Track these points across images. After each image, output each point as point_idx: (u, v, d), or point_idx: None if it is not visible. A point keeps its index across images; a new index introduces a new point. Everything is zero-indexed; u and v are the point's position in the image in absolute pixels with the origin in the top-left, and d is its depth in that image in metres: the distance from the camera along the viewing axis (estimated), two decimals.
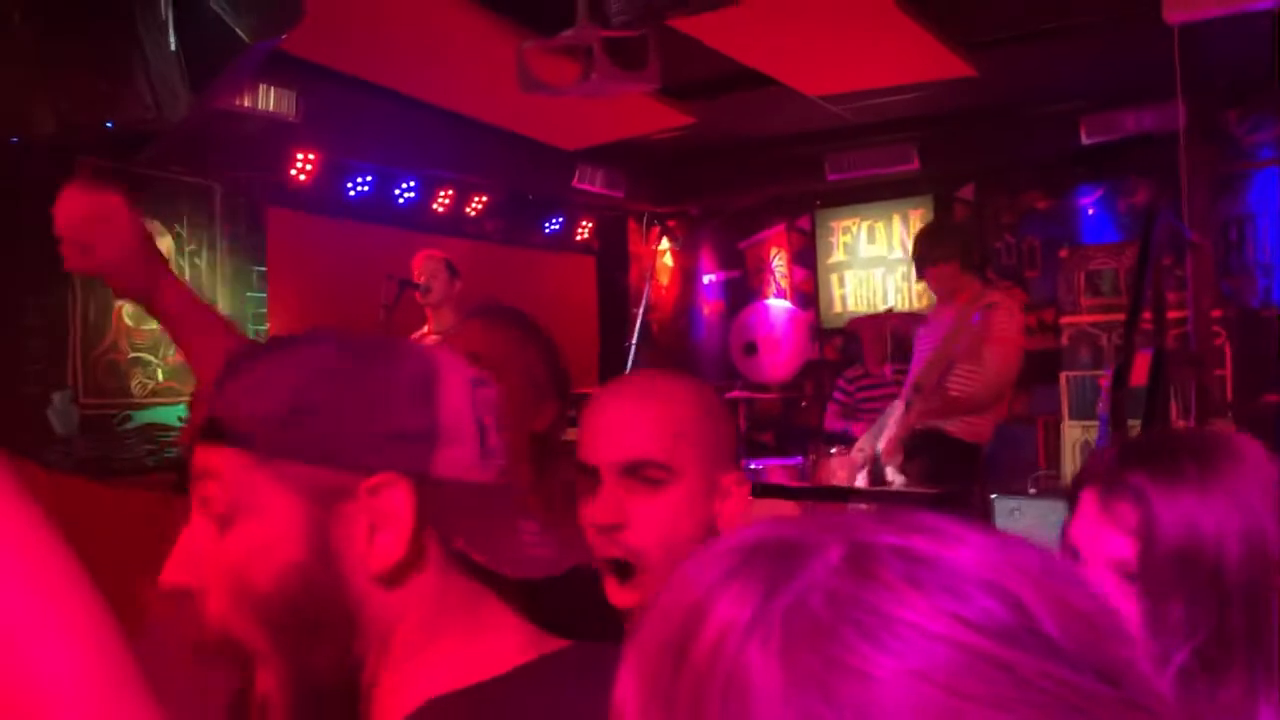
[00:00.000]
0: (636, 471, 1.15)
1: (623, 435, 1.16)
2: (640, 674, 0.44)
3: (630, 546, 1.14)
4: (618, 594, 1.15)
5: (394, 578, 0.77)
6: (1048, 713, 0.38)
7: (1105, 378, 5.09)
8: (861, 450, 4.47)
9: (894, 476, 4.36)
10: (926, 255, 4.42)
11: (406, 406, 0.78)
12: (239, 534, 0.76)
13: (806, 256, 7.51)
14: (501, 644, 0.80)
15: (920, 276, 4.92)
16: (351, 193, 5.88)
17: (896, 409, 4.41)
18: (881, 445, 4.36)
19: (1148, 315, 4.13)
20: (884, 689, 0.38)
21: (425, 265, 4.68)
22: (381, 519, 0.76)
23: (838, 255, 7.37)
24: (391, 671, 0.78)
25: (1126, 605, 0.97)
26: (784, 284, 7.60)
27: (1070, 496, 1.07)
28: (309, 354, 0.80)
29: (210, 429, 0.78)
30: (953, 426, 4.32)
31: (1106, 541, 0.99)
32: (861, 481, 4.42)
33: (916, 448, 4.32)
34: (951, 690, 0.38)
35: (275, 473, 0.76)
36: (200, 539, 0.77)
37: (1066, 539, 1.04)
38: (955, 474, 4.33)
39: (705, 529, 1.15)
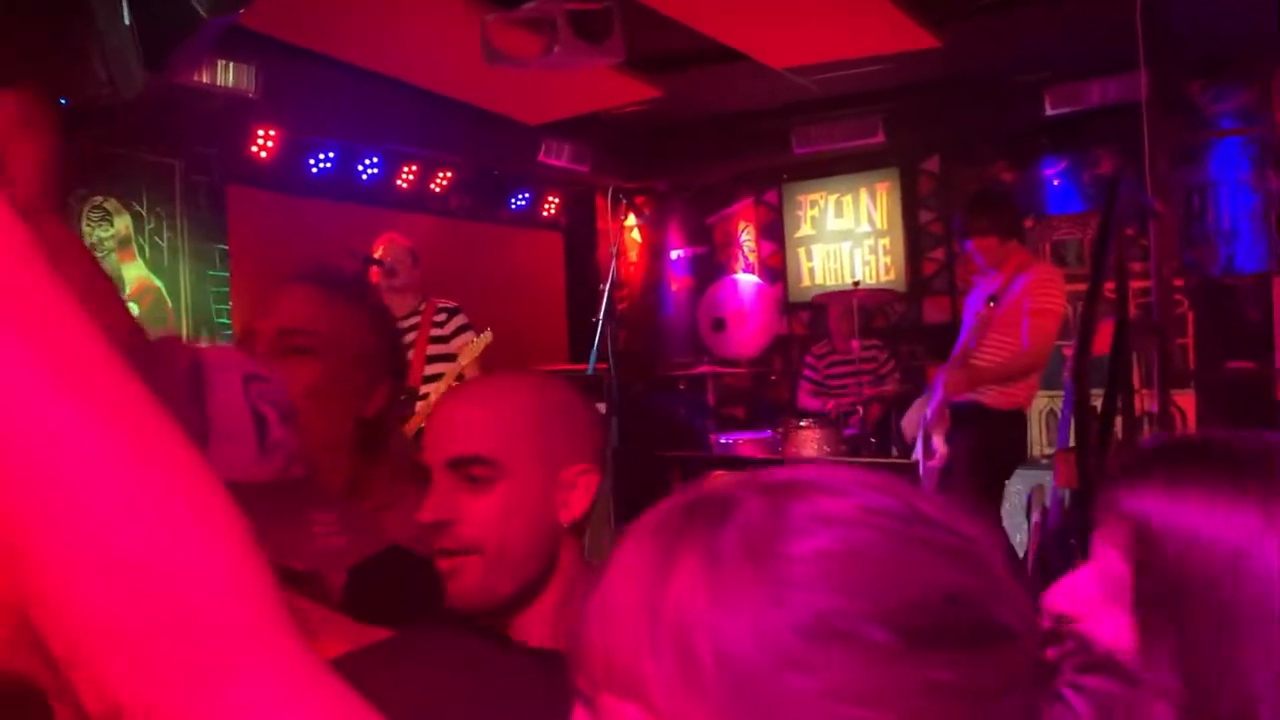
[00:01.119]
0: (462, 468, 1.13)
1: (451, 433, 1.16)
2: (617, 631, 0.53)
3: (462, 543, 1.13)
4: (450, 586, 1.14)
5: None
6: (936, 562, 0.52)
7: (1070, 347, 5.13)
8: (912, 421, 4.51)
9: (940, 446, 4.41)
10: (968, 227, 4.43)
11: (170, 407, 0.74)
12: None
13: (774, 231, 7.50)
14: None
15: (963, 248, 4.95)
16: (314, 170, 5.80)
17: (944, 373, 4.47)
18: (929, 412, 4.39)
19: (1110, 284, 4.16)
20: (829, 562, 0.51)
21: (390, 250, 4.64)
22: None
23: (805, 229, 7.37)
24: None
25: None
26: (752, 259, 7.60)
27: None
28: None
29: None
30: (987, 398, 4.32)
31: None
32: (917, 452, 4.46)
33: (959, 421, 4.33)
34: (873, 559, 0.51)
35: None
36: None
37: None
38: (1000, 445, 4.35)
39: (542, 522, 1.14)
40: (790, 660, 0.49)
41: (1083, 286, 4.95)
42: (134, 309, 4.67)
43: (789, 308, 7.41)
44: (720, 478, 0.58)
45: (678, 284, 7.91)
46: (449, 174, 6.50)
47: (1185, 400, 4.86)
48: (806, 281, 7.35)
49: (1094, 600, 0.88)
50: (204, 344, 4.38)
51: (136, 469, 0.48)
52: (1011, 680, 0.51)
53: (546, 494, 1.15)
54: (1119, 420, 3.99)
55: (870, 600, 0.50)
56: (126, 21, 3.91)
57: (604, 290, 5.29)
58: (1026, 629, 0.53)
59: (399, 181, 6.24)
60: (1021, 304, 4.24)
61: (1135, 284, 4.56)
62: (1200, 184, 5.87)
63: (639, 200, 7.89)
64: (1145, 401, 4.64)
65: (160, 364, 0.78)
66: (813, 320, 7.18)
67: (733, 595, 0.50)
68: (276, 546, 0.73)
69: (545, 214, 7.45)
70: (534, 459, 1.14)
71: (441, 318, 4.64)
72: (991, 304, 4.23)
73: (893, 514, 0.53)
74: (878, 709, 0.49)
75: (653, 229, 7.92)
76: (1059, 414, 5.26)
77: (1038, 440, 5.73)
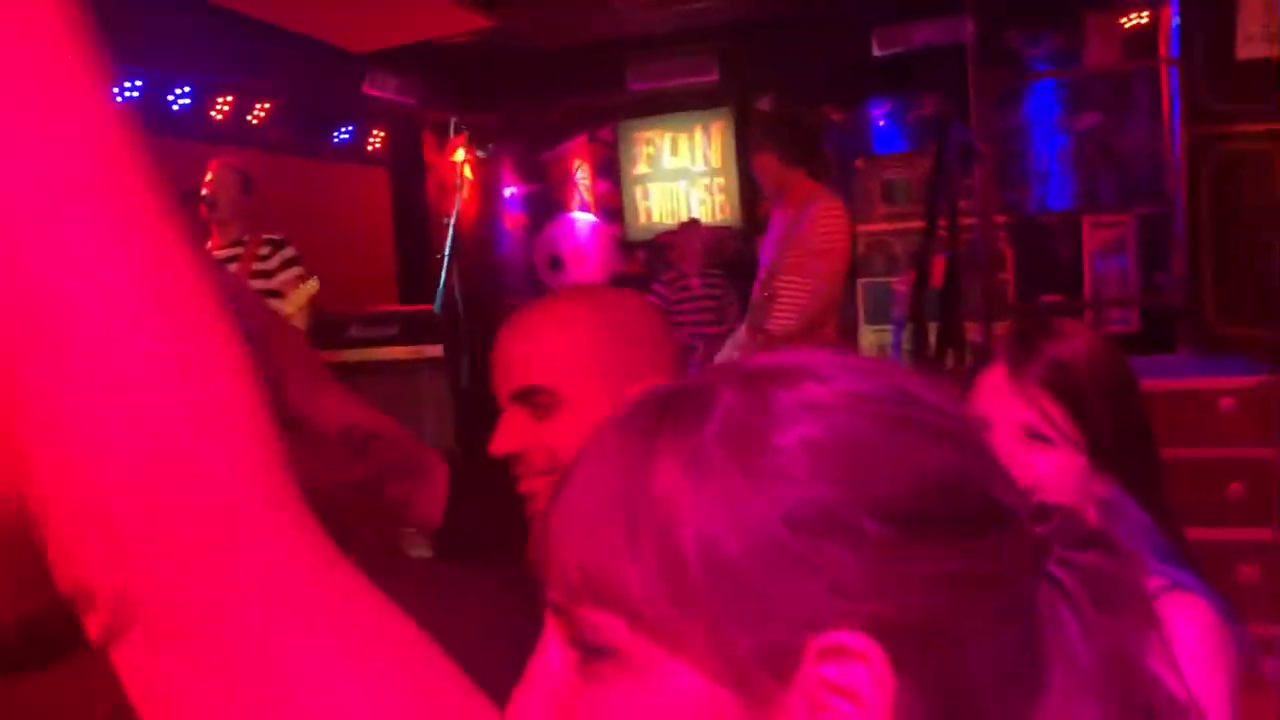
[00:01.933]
0: (527, 399, 1.14)
1: (509, 364, 1.16)
2: (591, 537, 0.49)
3: (537, 468, 1.13)
4: (534, 508, 1.17)
5: None
6: (929, 446, 0.49)
7: (900, 283, 5.32)
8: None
9: None
10: (751, 145, 4.33)
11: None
12: None
13: (610, 169, 7.45)
14: None
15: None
16: (118, 100, 5.36)
17: (739, 334, 4.31)
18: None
19: (942, 222, 4.31)
20: (818, 448, 0.48)
21: (217, 174, 4.34)
22: None
23: (641, 167, 7.34)
24: None
25: (1034, 460, 1.20)
26: (588, 197, 7.53)
27: (967, 379, 1.28)
28: None
29: None
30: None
31: (1016, 408, 1.21)
32: None
33: None
34: (854, 439, 0.49)
35: None
36: None
37: (976, 411, 1.23)
38: None
39: None
40: (782, 554, 0.46)
41: (913, 225, 5.13)
42: None
43: (627, 246, 7.40)
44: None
45: (512, 222, 7.77)
46: (267, 105, 6.13)
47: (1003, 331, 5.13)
48: (644, 220, 7.34)
49: (1011, 448, 1.19)
50: None
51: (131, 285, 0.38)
52: (1014, 564, 0.49)
53: None
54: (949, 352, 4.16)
55: (863, 489, 0.47)
56: None
57: (446, 225, 5.12)
58: (1023, 509, 0.51)
59: (213, 113, 5.85)
60: (808, 242, 4.06)
61: (962, 220, 4.74)
62: (1017, 126, 6.15)
63: (470, 135, 7.68)
64: (969, 333, 4.87)
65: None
66: (650, 259, 7.20)
67: (717, 489, 0.47)
68: None
69: (370, 148, 7.15)
70: (595, 379, 1.12)
71: (266, 250, 4.38)
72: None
73: (881, 398, 0.50)
74: (875, 601, 0.46)
75: (486, 165, 7.73)
76: (888, 349, 5.47)
77: None
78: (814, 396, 0.49)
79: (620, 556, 0.48)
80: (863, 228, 6.04)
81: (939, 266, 4.01)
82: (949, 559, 0.47)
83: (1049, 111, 6.13)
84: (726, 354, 4.53)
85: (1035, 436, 1.20)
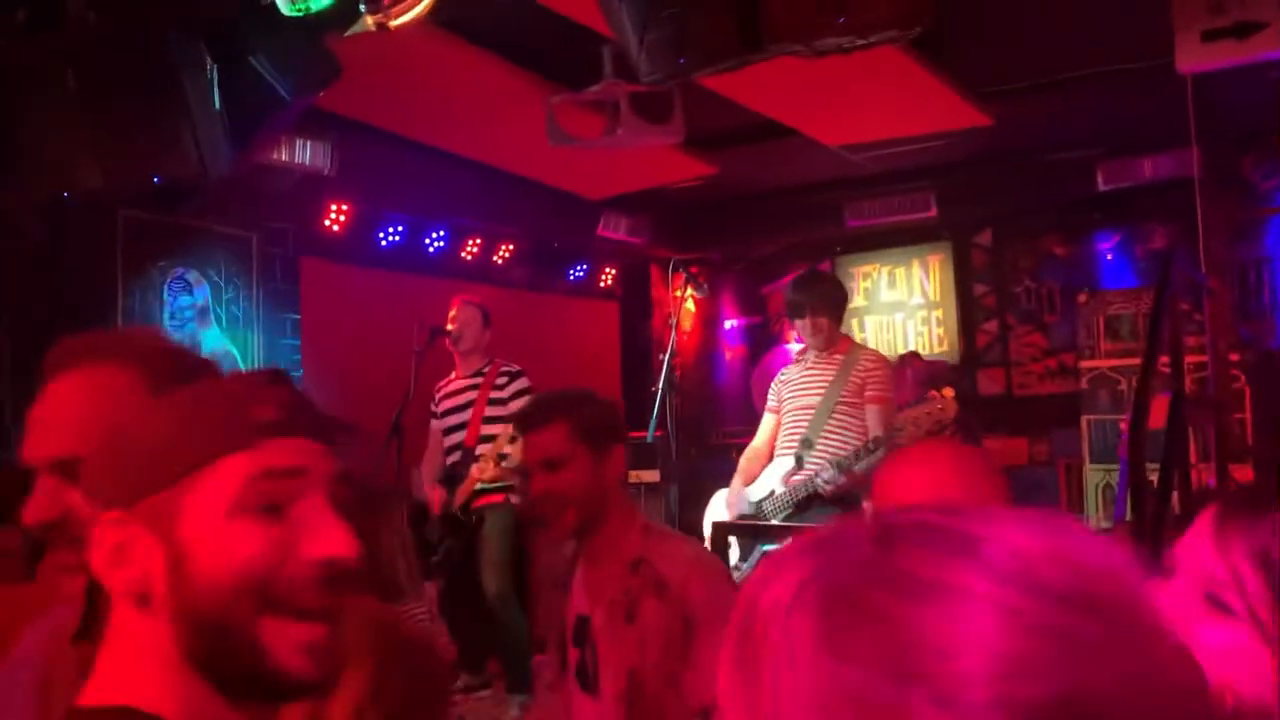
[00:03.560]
0: None
1: (901, 490, 1.59)
2: (726, 653, 0.54)
3: None
4: None
5: None
6: (1057, 657, 0.46)
7: (1126, 421, 5.14)
8: (738, 495, 4.28)
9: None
10: (804, 304, 4.20)
11: None
12: None
13: None
14: None
15: (790, 323, 4.58)
16: (383, 242, 6.02)
17: (780, 464, 4.19)
18: (770, 498, 4.15)
19: (1165, 359, 4.18)
20: (919, 623, 0.47)
21: (460, 312, 4.79)
22: None
23: (858, 300, 7.45)
24: None
25: (1205, 629, 0.99)
26: None
27: (1187, 516, 1.13)
28: None
29: None
30: (825, 488, 4.00)
31: (1207, 560, 1.01)
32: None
33: (799, 506, 4.08)
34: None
35: None
36: None
37: (1170, 555, 1.06)
38: None
39: None
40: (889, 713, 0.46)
41: (1139, 360, 4.97)
42: None
43: None
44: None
45: (731, 353, 8.01)
46: (511, 246, 6.69)
47: (1243, 475, 4.83)
48: None
49: (1184, 610, 1.01)
50: None
51: None
52: None
53: None
54: (1175, 494, 3.99)
55: (999, 685, 0.45)
56: (217, 105, 4.11)
57: (663, 360, 5.38)
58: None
59: (464, 253, 6.44)
60: (863, 391, 4.08)
61: (1191, 359, 4.57)
62: (1255, 259, 5.87)
63: (694, 271, 8.04)
64: (1203, 475, 4.63)
65: None
66: None
67: (799, 638, 0.49)
68: None
69: (602, 284, 7.61)
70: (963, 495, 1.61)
71: (503, 380, 4.76)
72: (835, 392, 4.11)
73: (1020, 586, 0.48)
74: None
75: (707, 299, 8.05)
76: (1114, 488, 5.25)
77: (1094, 513, 5.70)
78: (962, 576, 0.48)
79: (736, 666, 0.52)
80: (1085, 363, 5.89)
81: (1160, 406, 3.89)
82: None
83: None
84: (767, 482, 4.25)
85: (1215, 601, 0.99)
